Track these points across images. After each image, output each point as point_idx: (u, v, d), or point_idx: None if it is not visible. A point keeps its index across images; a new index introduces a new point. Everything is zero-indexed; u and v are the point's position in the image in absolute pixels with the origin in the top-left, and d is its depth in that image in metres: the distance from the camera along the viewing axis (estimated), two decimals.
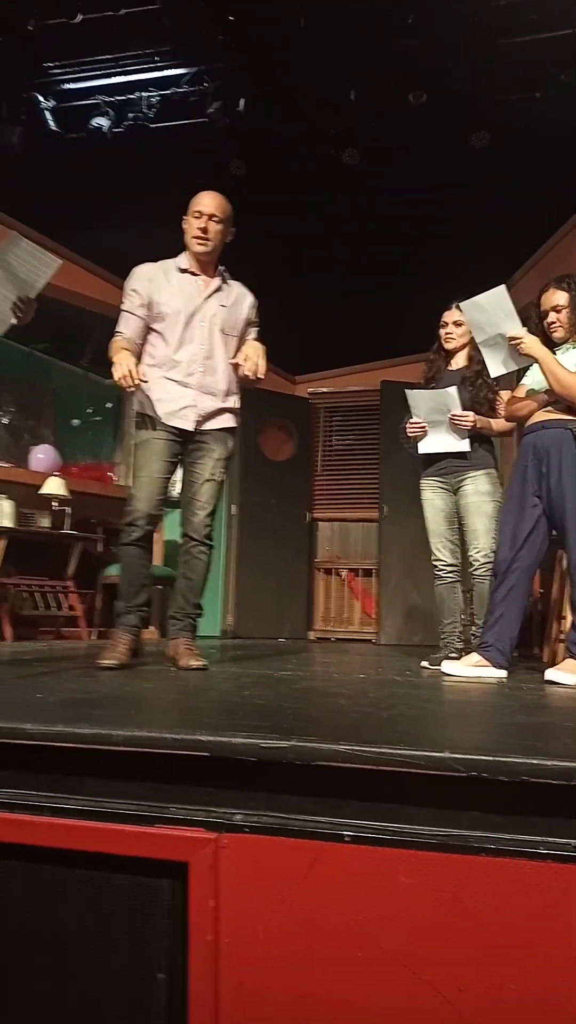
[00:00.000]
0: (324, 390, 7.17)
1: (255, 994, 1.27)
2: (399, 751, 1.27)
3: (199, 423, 2.98)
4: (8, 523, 5.07)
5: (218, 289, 3.02)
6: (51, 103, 5.18)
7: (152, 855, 1.32)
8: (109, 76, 5.05)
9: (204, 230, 2.93)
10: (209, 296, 3.00)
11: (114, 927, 1.35)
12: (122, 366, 2.74)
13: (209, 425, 3.01)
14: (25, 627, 5.19)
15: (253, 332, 3.11)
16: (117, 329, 2.97)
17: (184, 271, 3.01)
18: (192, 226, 2.96)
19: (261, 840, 1.29)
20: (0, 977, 1.39)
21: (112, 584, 5.77)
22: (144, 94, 5.04)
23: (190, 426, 2.96)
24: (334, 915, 1.25)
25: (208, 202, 2.95)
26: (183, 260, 3.03)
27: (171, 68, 5.00)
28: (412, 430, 3.58)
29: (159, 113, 5.06)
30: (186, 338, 2.96)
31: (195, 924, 1.29)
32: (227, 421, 3.05)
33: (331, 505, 7.07)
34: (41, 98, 5.16)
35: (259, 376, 2.93)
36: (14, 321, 2.43)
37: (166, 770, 1.38)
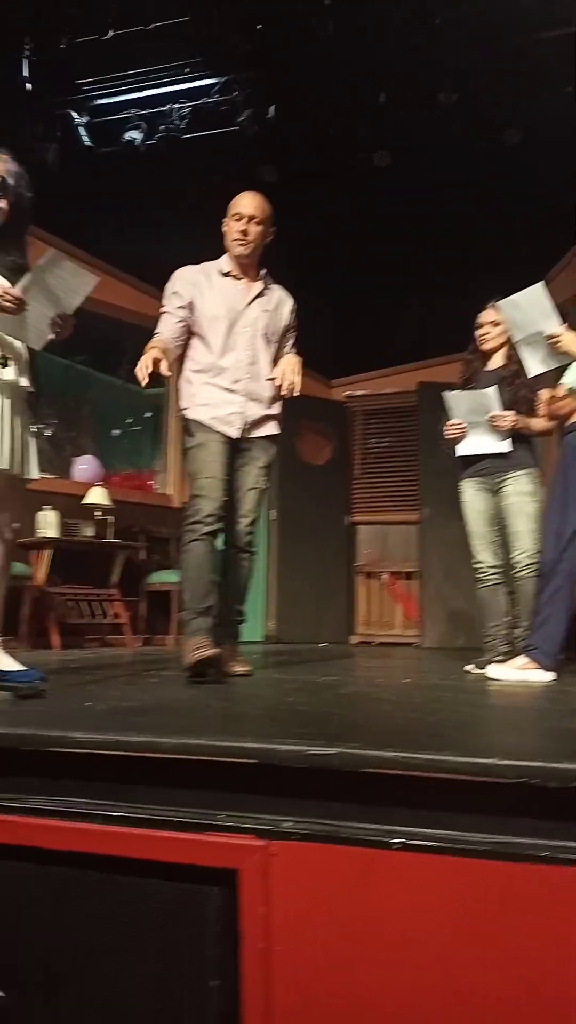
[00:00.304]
0: (360, 393, 7.15)
1: (308, 1001, 1.27)
2: (447, 758, 1.26)
3: (245, 431, 2.96)
4: (53, 533, 5.16)
5: (260, 294, 3.00)
6: (84, 119, 5.27)
7: (202, 862, 1.33)
8: (141, 90, 5.12)
9: (245, 232, 2.91)
10: (251, 301, 2.98)
11: (166, 934, 1.36)
12: (143, 359, 2.71)
13: (255, 433, 2.99)
14: (72, 635, 5.27)
15: (291, 339, 3.10)
16: (156, 330, 2.96)
17: (226, 275, 2.99)
18: (232, 229, 2.94)
19: (311, 847, 1.29)
20: (53, 983, 1.42)
21: (156, 592, 5.85)
22: (175, 106, 5.10)
23: (236, 433, 2.93)
24: (385, 922, 1.24)
25: (248, 203, 2.93)
26: (224, 263, 3.01)
27: (201, 79, 5.05)
28: (451, 432, 3.55)
29: (190, 124, 5.11)
30: (229, 344, 2.94)
31: (246, 931, 1.30)
32: (271, 428, 3.03)
33: (370, 508, 7.04)
34: (75, 114, 5.25)
35: (295, 393, 2.92)
36: (52, 336, 2.46)
37: (214, 777, 1.39)
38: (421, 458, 6.49)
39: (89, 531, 5.48)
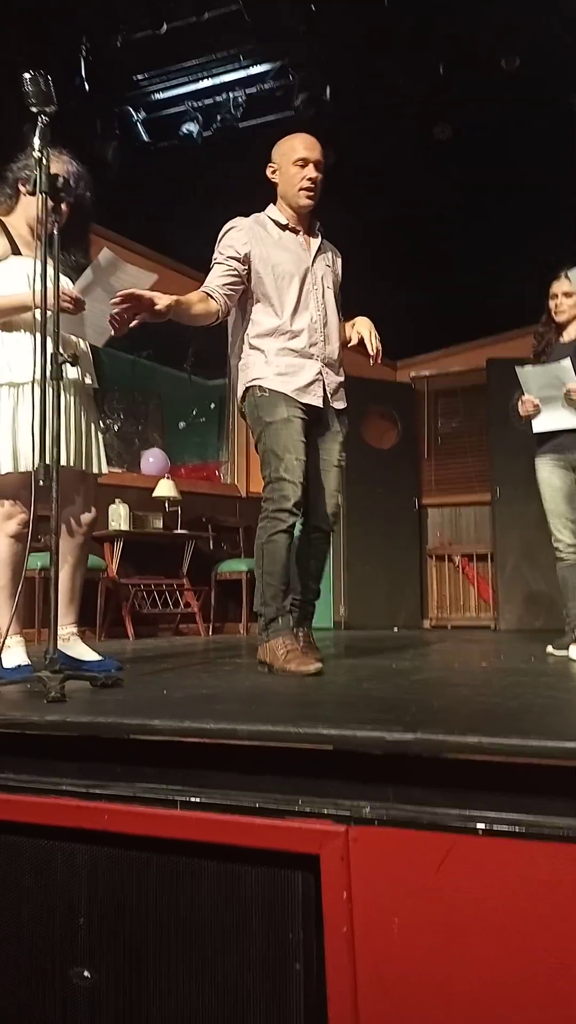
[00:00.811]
0: (426, 373, 7.04)
1: (393, 985, 1.26)
2: (530, 742, 1.23)
3: (326, 400, 2.68)
4: (124, 526, 5.26)
5: (321, 248, 2.73)
6: (142, 115, 5.32)
7: (283, 847, 1.33)
8: (196, 81, 5.13)
9: (314, 180, 2.62)
10: (316, 256, 2.70)
11: (250, 918, 1.37)
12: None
13: (335, 403, 2.72)
14: (145, 625, 5.37)
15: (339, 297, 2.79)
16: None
17: (285, 227, 2.69)
18: (296, 176, 2.62)
19: (391, 832, 1.28)
20: (139, 966, 1.44)
21: (225, 580, 5.91)
22: (231, 94, 5.09)
23: (319, 402, 2.64)
24: (471, 908, 1.22)
25: (312, 145, 2.63)
26: (278, 215, 2.70)
27: (255, 66, 5.03)
28: (525, 408, 3.44)
29: (246, 112, 5.10)
30: (301, 304, 2.63)
31: (329, 916, 1.30)
32: (344, 399, 2.77)
33: (440, 490, 6.94)
34: (132, 111, 5.31)
35: (379, 360, 2.67)
36: (112, 333, 2.46)
37: (291, 764, 1.39)
38: (492, 437, 6.36)
39: (158, 523, 5.58)
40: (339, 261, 2.82)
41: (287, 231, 2.70)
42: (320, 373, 2.66)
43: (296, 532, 2.66)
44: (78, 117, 4.95)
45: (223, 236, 2.68)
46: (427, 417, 7.08)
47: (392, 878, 1.27)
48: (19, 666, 2.33)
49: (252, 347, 2.68)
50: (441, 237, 5.38)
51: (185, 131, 5.26)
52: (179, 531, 5.60)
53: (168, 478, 5.63)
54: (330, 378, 2.69)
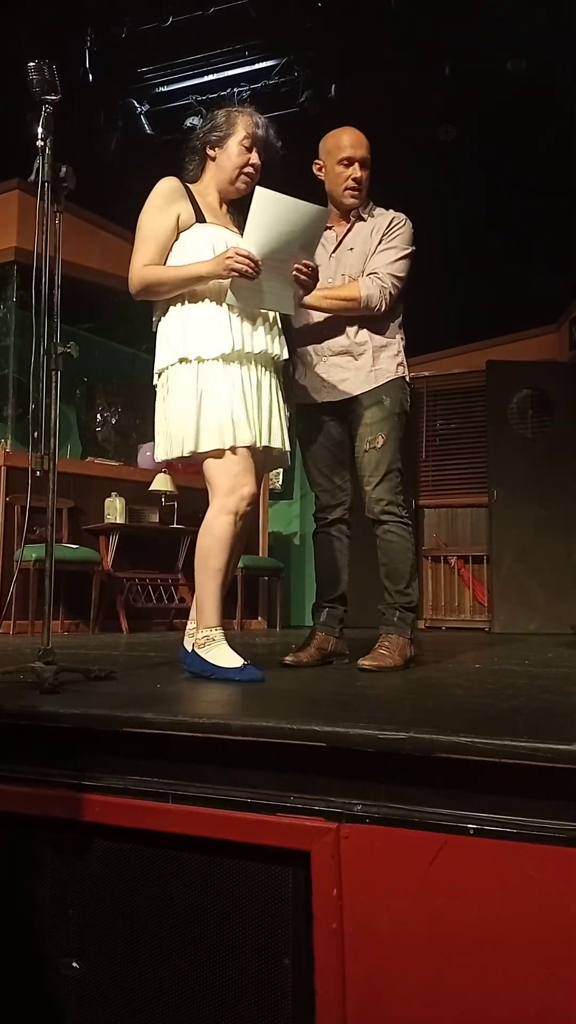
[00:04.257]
0: (426, 374, 7.04)
1: (381, 982, 1.26)
2: (523, 743, 1.23)
3: (338, 391, 2.69)
4: (120, 519, 5.25)
5: (348, 231, 2.65)
6: (145, 107, 5.30)
7: (274, 843, 1.34)
8: (201, 75, 5.12)
9: (359, 180, 2.55)
10: (336, 248, 2.65)
11: (240, 912, 1.37)
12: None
13: (355, 390, 2.68)
14: (139, 619, 5.37)
15: (384, 251, 2.61)
16: None
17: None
18: (341, 176, 2.55)
19: (382, 831, 1.28)
20: (127, 957, 1.44)
21: None
22: (236, 89, 5.08)
23: (323, 397, 2.70)
24: (461, 908, 1.22)
25: (358, 142, 2.56)
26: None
27: (261, 61, 5.02)
28: None
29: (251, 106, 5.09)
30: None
31: (319, 912, 1.30)
32: (375, 379, 2.67)
33: (437, 491, 6.94)
34: (136, 103, 5.29)
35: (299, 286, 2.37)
36: (303, 293, 2.26)
37: (284, 760, 1.39)
38: (489, 439, 6.36)
39: (154, 517, 5.57)
40: (381, 227, 2.62)
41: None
42: (327, 368, 2.63)
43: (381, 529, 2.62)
44: (81, 108, 4.94)
45: None
46: (425, 418, 7.08)
47: (382, 876, 1.27)
48: (244, 666, 2.13)
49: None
50: (442, 239, 5.37)
51: (189, 124, 5.24)
52: (175, 525, 5.60)
53: (165, 472, 5.62)
54: (334, 372, 2.63)
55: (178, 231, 2.24)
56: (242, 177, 2.25)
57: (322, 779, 1.36)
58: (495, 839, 1.22)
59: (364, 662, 2.45)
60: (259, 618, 6.38)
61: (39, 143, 2.03)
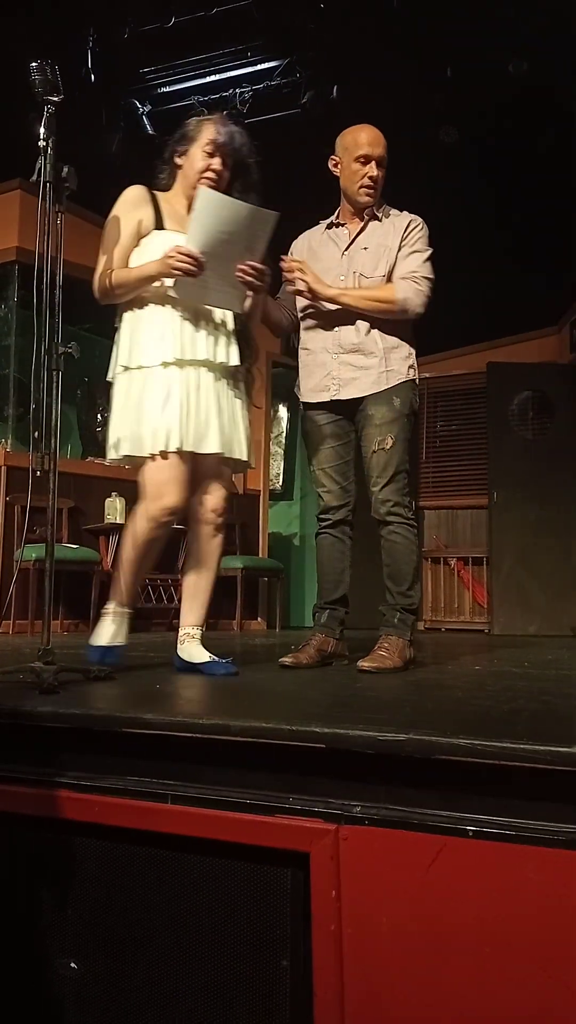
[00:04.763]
0: (427, 375, 7.04)
1: (379, 983, 1.26)
2: (523, 746, 1.23)
3: (345, 391, 2.68)
4: (120, 519, 5.25)
5: (361, 231, 2.65)
6: (147, 107, 5.30)
7: (273, 844, 1.34)
8: (203, 76, 5.11)
9: (374, 179, 2.55)
10: (348, 246, 2.65)
11: (239, 913, 1.37)
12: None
13: (362, 391, 2.67)
14: (139, 619, 5.35)
15: (408, 258, 2.63)
16: None
17: (332, 225, 2.68)
18: (357, 174, 2.55)
19: (381, 832, 1.28)
20: (125, 958, 1.44)
21: (220, 577, 5.87)
22: (238, 90, 5.08)
23: (328, 397, 2.70)
24: (460, 910, 1.22)
25: (375, 140, 2.55)
26: (337, 214, 2.68)
27: (263, 62, 5.01)
28: None
29: (252, 108, 5.08)
30: (319, 303, 2.64)
31: (318, 913, 1.30)
32: (385, 380, 2.67)
33: (437, 493, 6.94)
34: (138, 103, 5.29)
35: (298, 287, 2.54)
36: (249, 293, 2.27)
37: (283, 761, 1.39)
38: (490, 441, 6.36)
39: None
40: (400, 230, 2.61)
41: (333, 228, 2.69)
42: (332, 367, 2.62)
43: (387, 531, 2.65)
44: (84, 108, 4.94)
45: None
46: (425, 419, 7.08)
47: (381, 877, 1.27)
48: (103, 648, 2.31)
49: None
50: (444, 241, 5.37)
51: None
52: (175, 526, 5.59)
53: None
54: (345, 370, 2.60)
55: (139, 237, 2.29)
56: (204, 182, 2.26)
57: (321, 780, 1.36)
58: (494, 841, 1.22)
59: (363, 663, 2.45)
60: (259, 619, 6.38)
61: (41, 143, 2.04)
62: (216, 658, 2.35)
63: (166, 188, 2.38)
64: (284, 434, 7.64)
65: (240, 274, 2.24)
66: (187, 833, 1.39)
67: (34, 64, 2.03)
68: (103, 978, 1.46)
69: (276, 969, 1.34)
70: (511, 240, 5.22)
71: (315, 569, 2.85)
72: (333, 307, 2.59)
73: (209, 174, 2.27)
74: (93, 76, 4.84)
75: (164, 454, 2.23)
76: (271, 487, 7.03)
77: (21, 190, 5.16)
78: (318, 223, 2.77)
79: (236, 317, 2.35)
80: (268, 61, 5.01)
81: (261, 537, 6.46)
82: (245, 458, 2.42)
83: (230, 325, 2.34)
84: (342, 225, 2.68)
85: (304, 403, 2.73)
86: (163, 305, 2.25)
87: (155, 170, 2.39)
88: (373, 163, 2.55)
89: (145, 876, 1.45)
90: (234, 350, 2.34)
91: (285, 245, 2.83)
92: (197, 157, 2.29)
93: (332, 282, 2.59)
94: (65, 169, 2.08)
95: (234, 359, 2.34)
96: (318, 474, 2.73)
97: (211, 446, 2.29)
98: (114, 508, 5.27)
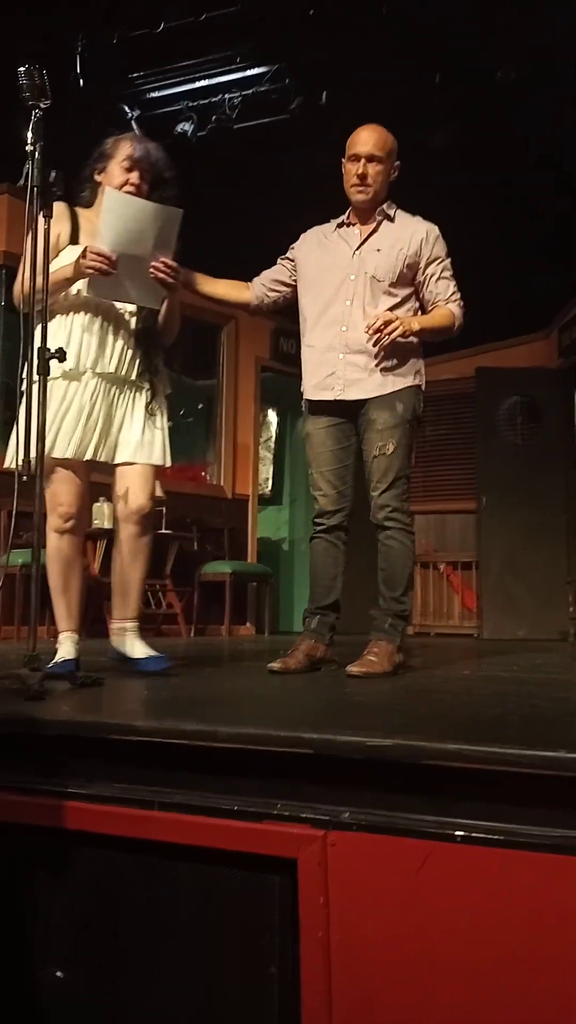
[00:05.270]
0: None
1: (368, 990, 1.26)
2: (510, 750, 1.23)
3: (350, 391, 2.68)
4: (108, 524, 5.23)
5: (373, 231, 2.66)
6: (137, 112, 5.30)
7: (261, 851, 1.33)
8: (192, 81, 5.11)
9: (363, 176, 2.57)
10: (360, 245, 2.65)
11: (226, 920, 1.36)
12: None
13: (366, 393, 2.67)
14: None
15: (435, 273, 2.68)
16: None
17: (340, 225, 2.71)
18: (349, 173, 2.60)
19: (369, 838, 1.27)
20: (113, 966, 1.43)
21: (209, 582, 5.89)
22: (227, 95, 5.08)
23: (333, 396, 2.68)
24: (448, 915, 1.22)
25: (366, 139, 2.58)
26: (347, 213, 2.71)
27: (252, 67, 5.02)
28: None
29: (241, 113, 5.09)
30: (327, 300, 2.67)
31: (306, 920, 1.29)
32: (391, 384, 2.68)
33: (426, 497, 6.95)
34: (127, 108, 5.29)
35: (377, 347, 2.56)
36: (164, 292, 2.39)
37: (271, 767, 1.38)
38: (479, 445, 6.38)
39: None
40: (418, 236, 2.63)
41: (342, 228, 2.71)
42: (336, 366, 2.61)
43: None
44: (73, 112, 4.93)
45: None
46: None
47: (369, 884, 1.27)
48: (64, 660, 2.32)
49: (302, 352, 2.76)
50: None
51: (180, 130, 5.24)
52: (163, 531, 5.58)
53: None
54: (351, 370, 2.59)
55: (57, 251, 2.35)
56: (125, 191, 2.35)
57: (309, 786, 1.36)
58: (482, 846, 1.21)
59: (352, 668, 2.44)
60: (248, 624, 6.36)
61: (28, 148, 2.03)
62: (152, 653, 2.42)
63: (88, 205, 2.47)
64: (273, 439, 7.64)
65: (153, 271, 2.33)
66: (175, 840, 1.38)
67: (22, 68, 2.02)
68: (90, 987, 1.44)
69: (264, 976, 1.33)
70: (500, 245, 5.25)
71: (305, 574, 2.87)
72: (344, 306, 2.60)
73: (129, 188, 2.36)
74: (82, 80, 4.83)
75: (59, 463, 2.31)
76: (260, 492, 7.03)
77: (8, 195, 5.15)
78: (328, 222, 2.78)
79: (143, 321, 2.46)
80: (257, 67, 5.02)
81: (250, 542, 6.45)
82: (158, 462, 2.53)
83: (133, 334, 2.46)
84: (352, 225, 2.70)
85: (306, 403, 2.72)
86: (67, 315, 2.36)
87: (77, 188, 2.47)
88: (362, 161, 2.57)
89: (132, 884, 1.44)
90: (136, 360, 2.46)
91: (284, 245, 2.85)
92: (116, 173, 2.39)
93: (341, 282, 2.62)
94: (53, 174, 2.08)
95: (136, 369, 2.46)
96: (315, 477, 2.71)
97: (113, 455, 2.41)
98: (102, 513, 5.24)
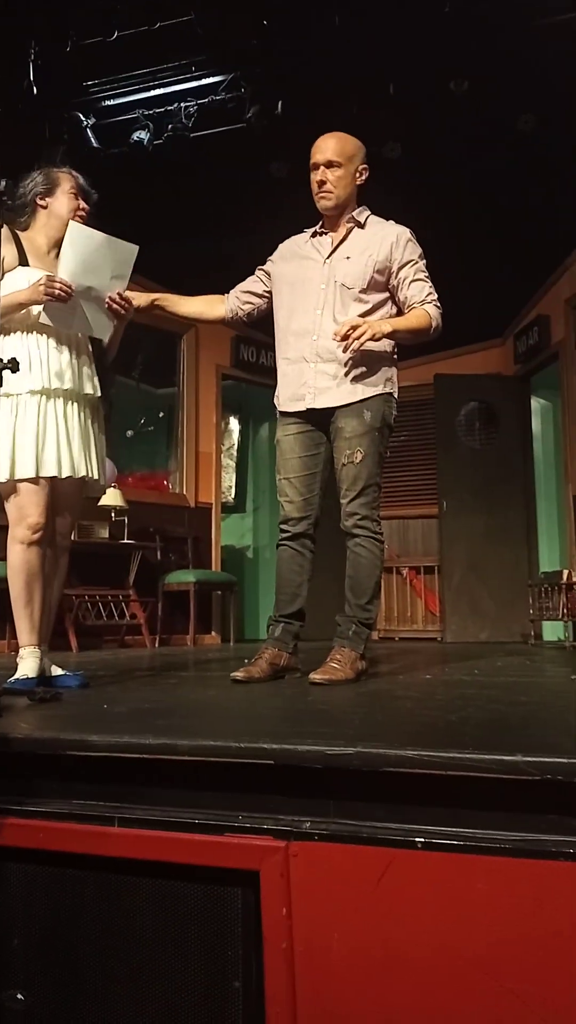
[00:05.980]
0: None
1: (332, 1001, 1.25)
2: (469, 756, 1.24)
3: (320, 400, 2.67)
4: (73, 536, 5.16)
5: (343, 239, 2.67)
6: (91, 120, 5.26)
7: (222, 864, 1.32)
8: (147, 90, 5.10)
9: (321, 183, 2.61)
10: (331, 253, 2.67)
11: (189, 935, 1.35)
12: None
13: (335, 401, 2.67)
14: (89, 637, 5.28)
15: (410, 276, 2.68)
16: None
17: (315, 233, 2.73)
18: (312, 181, 2.64)
19: (331, 848, 1.27)
20: (74, 986, 1.41)
21: (173, 591, 5.85)
22: (182, 104, 5.08)
23: (302, 406, 2.70)
24: (410, 923, 1.22)
25: (322, 147, 2.61)
26: (321, 222, 2.73)
27: (207, 76, 5.02)
28: None
29: (197, 122, 5.09)
30: (299, 309, 2.69)
31: (269, 932, 1.29)
32: (360, 392, 2.67)
33: (389, 503, 6.98)
34: (82, 116, 5.25)
35: (347, 353, 2.56)
36: (115, 322, 2.49)
37: (232, 779, 1.37)
38: (438, 451, 6.45)
39: (104, 532, 5.49)
40: (388, 240, 2.62)
41: (316, 236, 2.74)
42: (306, 375, 2.62)
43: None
44: (26, 120, 4.89)
45: None
46: None
47: (332, 893, 1.26)
48: (26, 677, 2.32)
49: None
50: None
51: (135, 138, 5.22)
52: (126, 541, 5.53)
53: (115, 487, 5.56)
54: (322, 375, 2.60)
55: (4, 272, 2.40)
56: (77, 219, 2.49)
57: (271, 797, 1.35)
58: (443, 852, 1.22)
59: (315, 676, 2.45)
60: (212, 633, 6.34)
61: None
62: (67, 672, 2.50)
63: (24, 228, 2.55)
64: (235, 446, 7.63)
65: (108, 302, 2.45)
66: (135, 856, 1.37)
67: None
68: (53, 1009, 1.42)
69: (228, 991, 1.32)
70: (456, 253, 5.32)
71: (270, 581, 2.87)
72: (314, 315, 2.62)
73: (81, 213, 2.52)
74: (35, 89, 4.79)
75: (33, 480, 2.36)
76: (223, 500, 7.01)
77: None
78: (302, 231, 2.81)
79: (95, 346, 2.56)
80: (213, 76, 5.02)
81: (214, 550, 6.43)
82: (102, 482, 2.62)
83: (89, 355, 2.55)
84: (325, 233, 2.73)
85: (280, 412, 2.73)
86: (28, 333, 2.41)
87: (16, 212, 2.53)
88: (321, 168, 2.62)
89: (92, 901, 1.41)
90: (95, 380, 2.54)
91: (261, 256, 2.88)
92: (64, 200, 2.52)
93: (313, 291, 2.65)
94: (3, 183, 2.05)
95: (97, 389, 2.54)
96: (282, 483, 2.72)
97: (74, 471, 2.45)
98: None
